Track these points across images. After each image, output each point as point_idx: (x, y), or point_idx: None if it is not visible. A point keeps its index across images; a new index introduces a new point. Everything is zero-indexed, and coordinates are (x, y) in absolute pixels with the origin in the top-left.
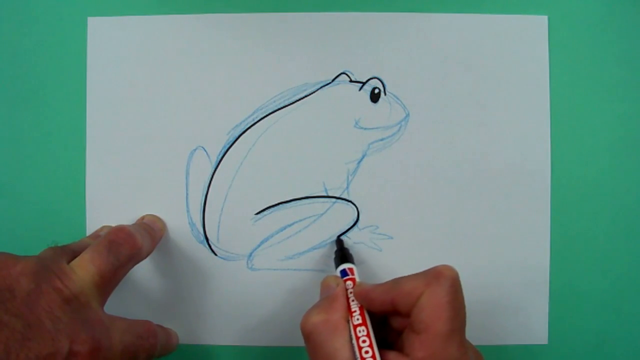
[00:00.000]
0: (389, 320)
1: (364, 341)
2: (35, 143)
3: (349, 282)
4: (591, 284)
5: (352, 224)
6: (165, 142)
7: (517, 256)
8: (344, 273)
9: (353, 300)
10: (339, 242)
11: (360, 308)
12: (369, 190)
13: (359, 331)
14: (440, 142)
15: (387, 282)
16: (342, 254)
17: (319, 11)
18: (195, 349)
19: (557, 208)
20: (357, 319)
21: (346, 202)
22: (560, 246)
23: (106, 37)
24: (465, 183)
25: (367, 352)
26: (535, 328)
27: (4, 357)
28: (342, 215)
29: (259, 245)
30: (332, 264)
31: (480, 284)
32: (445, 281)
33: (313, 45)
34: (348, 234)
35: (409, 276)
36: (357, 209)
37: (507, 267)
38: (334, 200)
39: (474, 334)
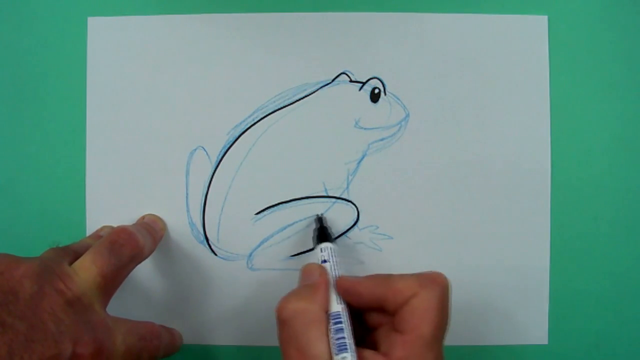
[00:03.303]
0: (365, 315)
1: (341, 337)
2: (35, 143)
3: (328, 266)
4: (591, 284)
5: (352, 224)
6: (165, 142)
7: (517, 256)
8: (325, 261)
9: (336, 293)
10: (319, 220)
11: (342, 300)
12: (369, 190)
13: (337, 325)
14: (440, 142)
15: (375, 277)
16: (322, 233)
17: (319, 11)
18: (195, 348)
19: (557, 208)
20: (337, 312)
21: (346, 202)
22: (560, 246)
23: (106, 37)
24: (465, 183)
25: (344, 348)
26: (535, 328)
27: (8, 359)
28: (342, 215)
29: (259, 245)
30: None
31: (481, 284)
32: (439, 287)
33: (313, 45)
34: (348, 234)
35: (401, 275)
36: (357, 209)
37: (507, 267)
38: (334, 200)
39: (474, 334)
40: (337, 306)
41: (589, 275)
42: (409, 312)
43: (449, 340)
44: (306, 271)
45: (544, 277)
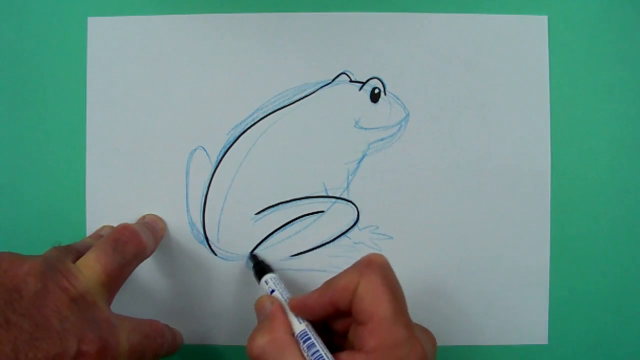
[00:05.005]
0: (332, 325)
1: (316, 351)
2: (35, 143)
3: (277, 294)
4: (591, 284)
5: (352, 224)
6: (165, 142)
7: (517, 256)
8: (273, 291)
9: (292, 314)
10: (253, 257)
11: (302, 319)
12: (369, 190)
13: (307, 342)
14: (440, 142)
15: (320, 287)
16: (261, 267)
17: (319, 11)
18: (194, 348)
19: (557, 208)
20: (302, 331)
21: (346, 202)
22: (560, 246)
23: (106, 37)
24: (465, 183)
25: (320, 358)
26: (535, 328)
27: (13, 356)
28: (342, 215)
29: (259, 245)
30: (334, 264)
31: (481, 284)
32: (377, 267)
33: (313, 45)
34: (348, 234)
35: (340, 273)
36: (357, 209)
37: (507, 267)
38: (334, 200)
39: (474, 334)
40: (299, 326)
41: (589, 275)
42: (360, 302)
43: (449, 340)
44: (259, 306)
45: (544, 277)
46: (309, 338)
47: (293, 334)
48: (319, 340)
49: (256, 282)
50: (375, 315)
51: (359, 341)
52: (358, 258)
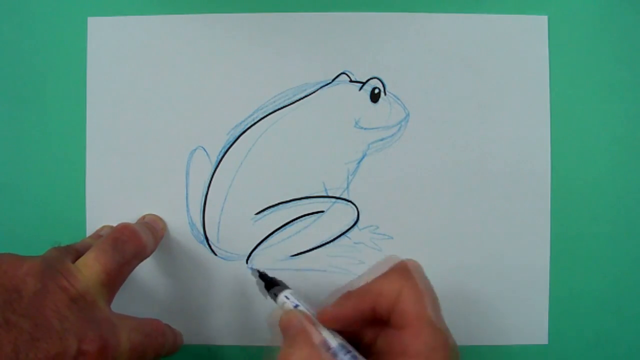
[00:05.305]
0: (360, 334)
1: (354, 357)
2: (35, 143)
3: (302, 309)
4: (591, 284)
5: (352, 224)
6: (165, 142)
7: (517, 256)
8: (297, 305)
9: (324, 328)
10: (260, 274)
11: (332, 330)
12: (369, 190)
13: (348, 354)
14: (440, 142)
15: (351, 294)
16: (272, 283)
17: (319, 11)
18: (194, 348)
19: (557, 208)
20: (339, 344)
21: (346, 202)
22: (560, 246)
23: (106, 37)
24: (465, 183)
25: None
26: (535, 328)
27: (13, 357)
28: (342, 215)
29: (258, 245)
30: (334, 264)
31: (481, 284)
32: (417, 272)
33: (313, 45)
34: (348, 234)
35: (376, 279)
36: (357, 209)
37: (507, 267)
38: (334, 200)
39: (474, 334)
40: (334, 340)
41: (589, 275)
42: (404, 306)
43: None
44: (285, 323)
45: (544, 277)
46: (349, 351)
47: (329, 349)
48: (357, 352)
49: (258, 288)
50: (420, 318)
51: (399, 346)
52: (358, 258)
